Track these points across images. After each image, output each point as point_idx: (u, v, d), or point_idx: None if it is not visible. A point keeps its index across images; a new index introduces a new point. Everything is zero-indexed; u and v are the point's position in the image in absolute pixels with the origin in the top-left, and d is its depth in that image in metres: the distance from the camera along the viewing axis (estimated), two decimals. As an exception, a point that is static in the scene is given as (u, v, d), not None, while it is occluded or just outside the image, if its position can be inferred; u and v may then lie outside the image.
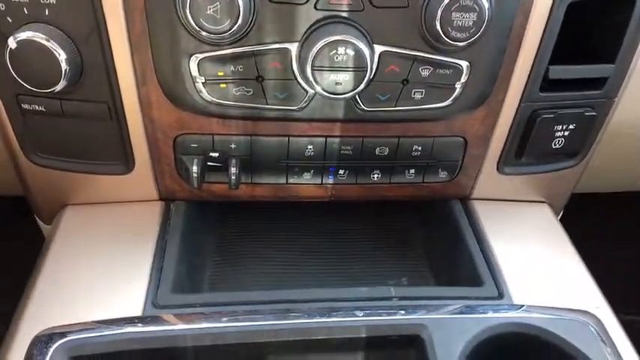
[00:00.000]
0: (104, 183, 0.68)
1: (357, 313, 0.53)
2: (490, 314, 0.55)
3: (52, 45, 0.54)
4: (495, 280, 0.64)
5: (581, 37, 0.64)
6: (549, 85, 0.65)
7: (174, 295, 0.59)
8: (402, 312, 0.53)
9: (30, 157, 0.66)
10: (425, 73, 0.59)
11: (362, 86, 0.56)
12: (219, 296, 0.59)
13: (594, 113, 0.67)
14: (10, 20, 0.55)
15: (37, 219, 0.78)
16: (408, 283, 0.69)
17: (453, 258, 0.69)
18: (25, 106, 0.61)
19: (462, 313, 0.54)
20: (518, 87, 0.64)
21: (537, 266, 0.67)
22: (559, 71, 0.63)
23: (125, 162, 0.66)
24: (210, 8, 0.51)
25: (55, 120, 0.62)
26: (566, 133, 0.69)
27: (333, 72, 0.55)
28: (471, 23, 0.54)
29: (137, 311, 0.57)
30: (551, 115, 0.66)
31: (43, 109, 0.61)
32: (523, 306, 0.58)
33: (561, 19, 0.60)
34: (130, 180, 0.68)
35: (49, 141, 0.65)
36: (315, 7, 0.54)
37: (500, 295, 0.62)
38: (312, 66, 0.54)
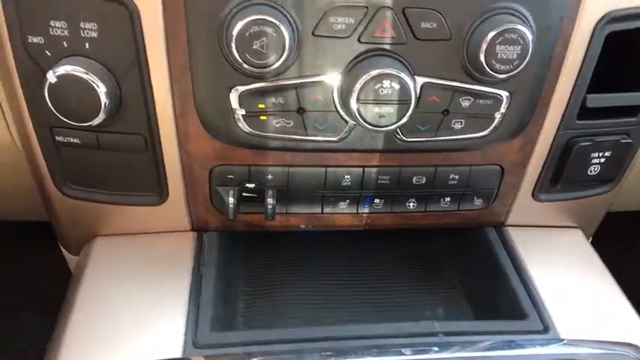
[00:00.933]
0: (135, 214, 0.67)
1: (405, 351, 0.51)
2: (539, 349, 0.54)
3: (91, 78, 0.54)
4: (539, 312, 0.63)
5: (617, 64, 0.64)
6: (586, 112, 0.65)
7: (215, 334, 0.57)
8: (451, 349, 0.52)
9: (61, 189, 0.65)
10: (465, 103, 0.59)
11: (405, 119, 0.55)
12: (261, 334, 0.58)
13: (630, 140, 0.67)
14: (49, 54, 0.54)
15: (62, 249, 0.77)
16: (445, 314, 0.68)
17: (492, 288, 0.68)
18: (59, 139, 0.60)
19: (511, 348, 0.53)
20: (556, 115, 0.63)
21: (578, 296, 0.66)
22: (596, 100, 0.63)
23: (159, 193, 0.65)
24: (256, 43, 0.50)
25: (88, 152, 0.61)
26: (602, 160, 0.68)
27: (378, 105, 0.54)
28: (514, 56, 0.54)
29: (177, 352, 0.55)
30: (589, 143, 0.66)
31: (78, 141, 0.60)
32: (569, 340, 0.58)
33: (600, 48, 0.60)
34: (162, 210, 0.67)
35: (81, 172, 0.64)
36: (358, 40, 0.54)
37: (546, 329, 0.61)
38: (357, 99, 0.54)
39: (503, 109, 0.59)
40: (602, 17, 0.57)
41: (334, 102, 0.57)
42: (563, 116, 0.63)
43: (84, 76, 0.54)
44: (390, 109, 0.55)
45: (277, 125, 0.58)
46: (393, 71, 0.53)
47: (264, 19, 0.50)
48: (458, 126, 0.60)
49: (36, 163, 0.64)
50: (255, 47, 0.51)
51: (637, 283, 0.81)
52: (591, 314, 0.64)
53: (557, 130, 0.65)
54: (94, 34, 0.53)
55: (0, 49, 0.56)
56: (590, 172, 0.69)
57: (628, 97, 0.64)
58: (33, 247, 1.04)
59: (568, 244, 0.75)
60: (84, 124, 0.56)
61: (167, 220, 0.68)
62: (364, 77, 0.53)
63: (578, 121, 0.64)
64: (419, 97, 0.57)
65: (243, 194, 0.65)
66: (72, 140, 0.60)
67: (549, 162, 0.67)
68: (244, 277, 0.72)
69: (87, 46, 0.54)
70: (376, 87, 0.53)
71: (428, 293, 0.71)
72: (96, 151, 0.61)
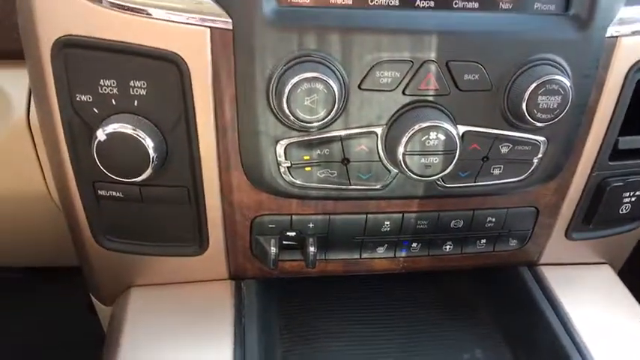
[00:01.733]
0: (173, 264, 0.67)
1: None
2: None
3: (140, 135, 0.54)
4: (581, 354, 0.63)
5: None
6: (618, 154, 0.66)
7: None
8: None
9: (99, 241, 0.65)
10: (504, 150, 0.60)
11: (450, 168, 0.56)
12: None
13: (659, 179, 0.69)
14: (97, 112, 0.54)
15: (94, 299, 0.76)
16: (484, 356, 0.68)
17: (529, 328, 0.69)
18: (102, 192, 0.60)
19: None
20: (589, 158, 0.65)
21: (615, 336, 0.67)
22: (628, 142, 0.65)
23: (199, 243, 0.64)
24: (307, 99, 0.51)
25: (129, 204, 0.61)
26: (633, 199, 0.69)
27: (424, 156, 0.55)
28: (555, 105, 0.55)
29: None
30: (621, 183, 0.67)
31: (121, 195, 0.60)
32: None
33: (631, 93, 0.62)
34: (200, 260, 0.66)
35: (120, 224, 0.63)
36: (403, 93, 0.55)
37: None
38: (404, 150, 0.54)
39: (540, 154, 0.61)
40: (634, 64, 0.60)
41: (378, 152, 0.58)
42: (596, 158, 0.65)
43: (132, 132, 0.54)
44: (436, 159, 0.55)
45: (321, 175, 0.59)
46: (440, 123, 0.54)
47: (315, 77, 0.51)
48: (497, 171, 0.61)
49: (74, 216, 0.63)
50: (306, 103, 0.52)
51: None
52: (631, 353, 0.65)
53: (590, 172, 0.66)
54: (143, 92, 0.54)
55: (44, 106, 0.56)
56: (622, 210, 0.70)
57: (657, 138, 0.66)
58: (58, 293, 1.03)
59: (600, 280, 0.76)
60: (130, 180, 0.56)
61: (205, 270, 0.68)
62: (411, 129, 0.54)
63: (610, 163, 0.66)
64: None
65: (284, 242, 0.65)
66: (114, 194, 0.60)
67: (582, 202, 0.69)
68: (282, 324, 0.72)
69: (135, 103, 0.54)
70: (423, 139, 0.54)
71: (466, 335, 0.71)
72: (138, 203, 0.61)
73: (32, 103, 0.63)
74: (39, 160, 0.64)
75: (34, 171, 0.65)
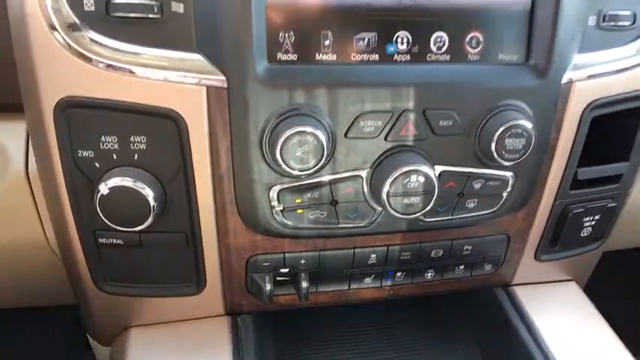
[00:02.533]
0: (171, 303, 0.70)
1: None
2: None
3: (140, 186, 0.57)
4: None
5: (600, 141, 0.73)
6: (577, 183, 0.73)
7: None
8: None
9: (99, 285, 0.67)
10: (477, 186, 0.66)
11: (430, 206, 0.61)
12: None
13: (615, 204, 0.76)
14: (99, 166, 0.57)
15: (90, 339, 0.77)
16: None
17: (504, 343, 0.74)
18: (102, 240, 0.63)
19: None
20: (553, 188, 0.71)
21: (583, 348, 0.73)
22: (586, 172, 0.72)
23: (196, 283, 0.67)
24: (299, 151, 0.56)
25: (130, 250, 0.64)
26: (593, 223, 0.76)
27: (406, 196, 0.60)
28: (520, 146, 0.61)
29: None
30: (581, 210, 0.74)
31: (121, 242, 0.62)
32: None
33: (587, 129, 0.69)
34: (197, 299, 0.69)
35: (120, 269, 0.66)
36: (385, 139, 0.60)
37: None
38: (387, 192, 0.59)
39: (509, 188, 0.67)
40: (588, 105, 0.66)
41: (364, 193, 0.62)
42: (558, 189, 0.72)
43: (133, 185, 0.57)
44: (417, 199, 0.61)
45: (312, 217, 0.63)
46: (419, 167, 0.59)
47: (305, 131, 0.55)
48: (471, 205, 0.67)
49: (74, 262, 0.65)
50: (297, 154, 0.56)
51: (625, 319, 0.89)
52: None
53: (554, 201, 0.73)
54: (143, 146, 0.57)
55: (46, 161, 0.59)
56: (584, 233, 0.77)
57: (612, 168, 0.74)
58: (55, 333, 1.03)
59: (567, 296, 0.82)
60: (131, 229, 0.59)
61: (202, 308, 0.71)
62: (393, 173, 0.59)
63: (571, 192, 0.73)
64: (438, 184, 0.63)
65: (277, 278, 0.69)
66: (115, 241, 0.62)
67: (548, 227, 0.75)
68: (278, 354, 0.75)
69: (136, 157, 0.57)
70: (404, 181, 0.59)
71: (445, 353, 0.76)
72: (137, 249, 0.64)
73: (30, 154, 0.66)
74: (37, 209, 0.66)
75: (32, 220, 0.67)
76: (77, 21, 0.52)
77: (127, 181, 0.56)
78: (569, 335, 0.75)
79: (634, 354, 0.75)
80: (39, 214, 0.66)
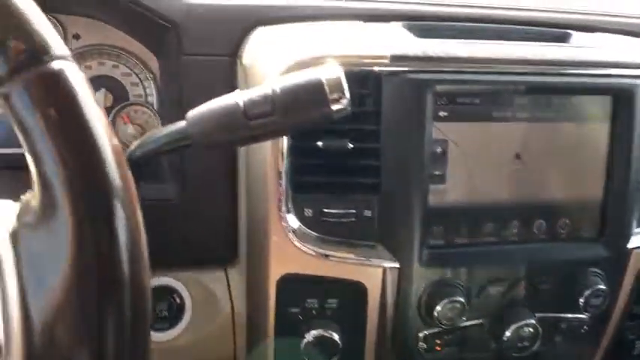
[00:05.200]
0: None
1: None
2: None
3: (332, 335, 0.79)
4: None
5: None
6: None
7: None
8: None
9: None
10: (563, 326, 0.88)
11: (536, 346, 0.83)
12: None
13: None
14: (302, 318, 0.79)
15: None
16: None
17: None
18: None
19: None
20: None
21: None
22: None
23: None
24: (449, 312, 0.78)
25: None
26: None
27: (519, 341, 0.82)
28: (599, 303, 0.84)
29: None
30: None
31: None
32: None
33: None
34: None
35: None
36: (502, 297, 0.83)
37: None
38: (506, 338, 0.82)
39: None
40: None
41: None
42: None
43: (326, 334, 0.79)
44: (527, 343, 0.83)
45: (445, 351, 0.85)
46: (529, 320, 0.82)
47: (455, 299, 0.78)
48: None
49: None
50: (449, 315, 0.78)
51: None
52: None
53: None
54: (334, 306, 0.80)
55: (260, 317, 0.81)
56: None
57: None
58: None
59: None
60: None
61: None
62: (512, 325, 0.81)
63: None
64: None
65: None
66: None
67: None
68: None
69: (329, 314, 0.80)
70: (519, 332, 0.82)
71: None
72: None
73: (234, 303, 0.88)
74: (235, 347, 0.88)
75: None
76: (301, 225, 0.76)
77: (325, 332, 0.79)
78: None
79: None
80: (235, 351, 0.88)
